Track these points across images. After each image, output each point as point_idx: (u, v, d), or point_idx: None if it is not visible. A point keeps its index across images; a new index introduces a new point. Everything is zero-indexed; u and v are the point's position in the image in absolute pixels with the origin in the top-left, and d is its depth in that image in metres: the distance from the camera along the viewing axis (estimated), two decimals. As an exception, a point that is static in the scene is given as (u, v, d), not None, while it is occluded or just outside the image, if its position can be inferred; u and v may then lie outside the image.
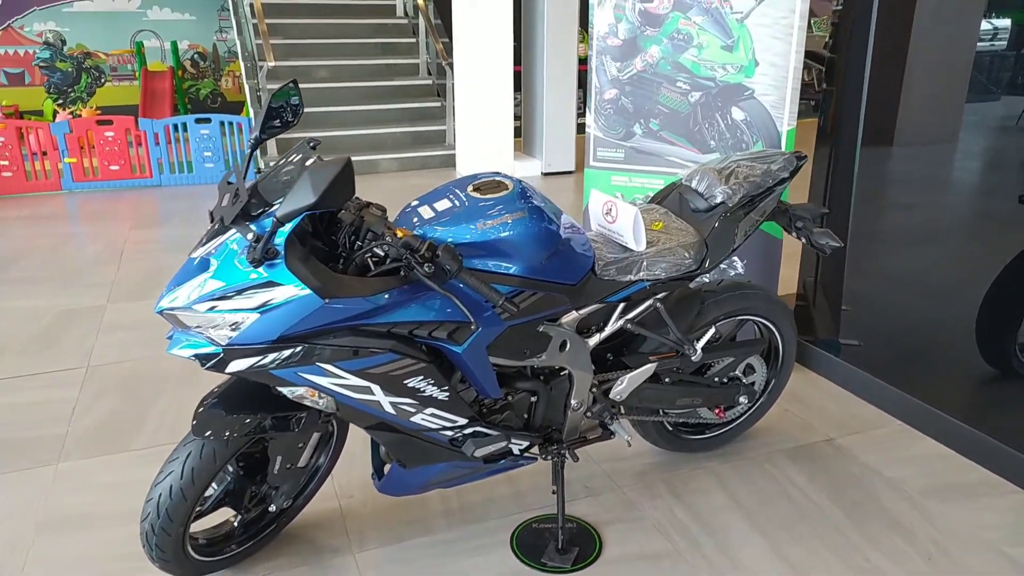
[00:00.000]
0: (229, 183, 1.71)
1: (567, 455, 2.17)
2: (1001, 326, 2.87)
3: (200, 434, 1.72)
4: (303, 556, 2.13)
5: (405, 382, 1.74)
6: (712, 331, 2.23)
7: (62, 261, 4.83)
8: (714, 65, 2.99)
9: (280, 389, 1.71)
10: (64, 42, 10.32)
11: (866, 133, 3.18)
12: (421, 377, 1.75)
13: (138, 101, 9.61)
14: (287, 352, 1.62)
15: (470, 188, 1.88)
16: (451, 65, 7.37)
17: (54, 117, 9.40)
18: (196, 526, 2.02)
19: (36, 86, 10.32)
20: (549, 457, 2.18)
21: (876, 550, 2.16)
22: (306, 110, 7.73)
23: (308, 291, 1.57)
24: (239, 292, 1.58)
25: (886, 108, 3.19)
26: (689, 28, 2.99)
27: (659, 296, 2.11)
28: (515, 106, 8.33)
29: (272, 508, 1.99)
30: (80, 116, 8.38)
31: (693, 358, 2.20)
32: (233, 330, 1.60)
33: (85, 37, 10.37)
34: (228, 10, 8.75)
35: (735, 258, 3.15)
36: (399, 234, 1.66)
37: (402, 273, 1.70)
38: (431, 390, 1.79)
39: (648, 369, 2.19)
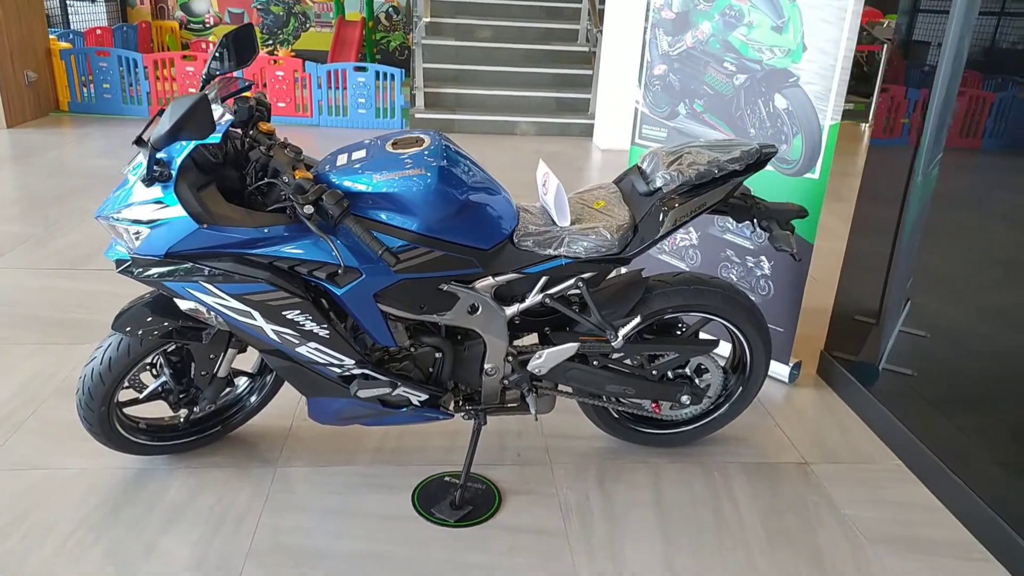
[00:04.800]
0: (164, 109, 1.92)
1: (478, 418, 2.21)
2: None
3: (117, 329, 1.97)
4: (235, 459, 2.36)
5: (283, 313, 1.87)
6: (636, 320, 2.13)
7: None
8: (762, 47, 2.77)
9: (175, 301, 1.91)
10: (279, -13, 11.38)
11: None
12: (298, 311, 1.87)
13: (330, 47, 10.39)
14: (173, 267, 1.81)
15: (390, 142, 1.95)
16: (601, 32, 7.28)
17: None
18: (139, 411, 2.31)
19: (252, 26, 11.50)
20: (464, 416, 2.23)
21: (776, 581, 2.00)
22: (463, 68, 8.00)
23: (186, 214, 1.74)
24: (138, 207, 1.78)
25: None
26: (741, 4, 2.79)
27: (584, 276, 2.07)
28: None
29: (196, 411, 2.22)
30: (276, 55, 9.29)
31: (613, 343, 2.13)
32: (136, 240, 1.81)
33: (297, -17, 11.35)
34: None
35: (762, 257, 2.94)
36: (297, 176, 1.78)
37: (288, 212, 1.82)
38: (310, 325, 1.90)
39: (570, 348, 2.15)
